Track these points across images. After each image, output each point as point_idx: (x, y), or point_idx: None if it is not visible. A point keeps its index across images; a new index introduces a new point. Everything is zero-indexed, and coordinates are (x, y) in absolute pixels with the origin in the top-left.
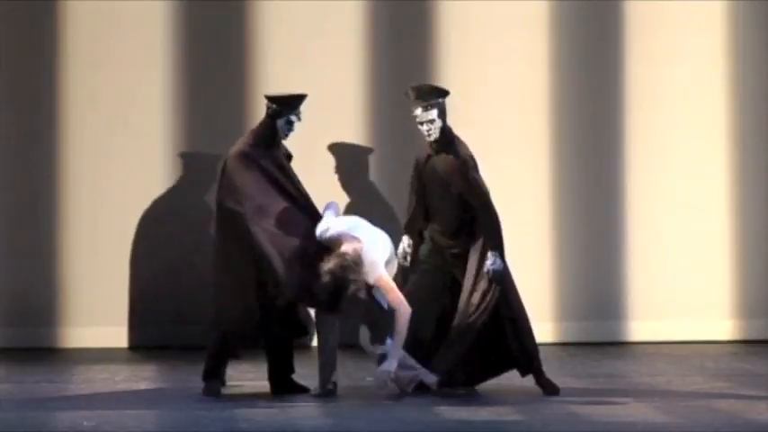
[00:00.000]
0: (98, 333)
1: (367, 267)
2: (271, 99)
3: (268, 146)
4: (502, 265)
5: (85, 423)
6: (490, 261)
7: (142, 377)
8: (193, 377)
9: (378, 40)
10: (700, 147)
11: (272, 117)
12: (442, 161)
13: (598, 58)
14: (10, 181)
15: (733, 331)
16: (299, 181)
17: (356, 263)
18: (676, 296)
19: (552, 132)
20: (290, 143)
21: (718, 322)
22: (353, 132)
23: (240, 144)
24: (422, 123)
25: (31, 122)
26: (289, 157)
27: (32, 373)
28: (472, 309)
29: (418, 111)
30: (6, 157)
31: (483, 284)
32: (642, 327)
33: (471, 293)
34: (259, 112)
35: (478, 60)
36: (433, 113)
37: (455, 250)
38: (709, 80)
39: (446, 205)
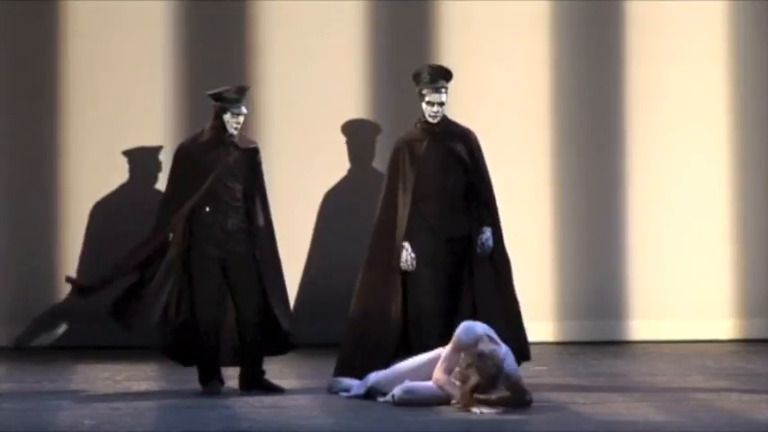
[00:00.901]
0: (98, 333)
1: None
2: (213, 96)
3: (217, 142)
4: (494, 242)
5: (86, 422)
6: (486, 236)
7: (143, 377)
8: (194, 377)
9: (378, 40)
10: (700, 147)
11: (218, 113)
12: (450, 140)
13: (598, 59)
14: (11, 180)
15: (734, 330)
16: (253, 180)
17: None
18: (677, 295)
19: (552, 132)
20: (290, 142)
21: (718, 321)
22: (353, 132)
23: (186, 140)
24: (432, 104)
25: (31, 122)
26: (252, 151)
27: (33, 372)
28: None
29: (430, 91)
30: (7, 157)
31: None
32: (643, 326)
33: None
34: (259, 111)
35: (478, 60)
36: (444, 96)
37: (457, 234)
38: (710, 80)
39: (449, 187)
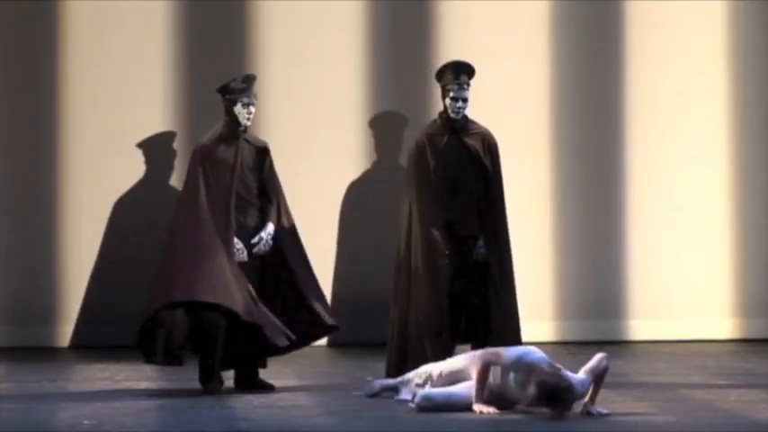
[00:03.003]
0: (99, 332)
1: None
2: (221, 90)
3: (231, 138)
4: (494, 250)
5: (85, 422)
6: (479, 243)
7: (142, 376)
8: (194, 376)
9: (378, 39)
10: (700, 146)
11: (228, 107)
12: (469, 138)
13: (599, 58)
14: (10, 180)
15: (733, 330)
16: (266, 178)
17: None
18: (676, 295)
19: (552, 132)
20: (290, 141)
21: (718, 321)
22: (353, 131)
23: (203, 139)
24: (456, 100)
25: (31, 121)
26: (262, 150)
27: (33, 371)
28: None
29: (455, 87)
30: (6, 156)
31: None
32: (642, 326)
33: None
34: (258, 111)
35: (478, 60)
36: (468, 93)
37: (466, 233)
38: (710, 79)
39: (469, 186)
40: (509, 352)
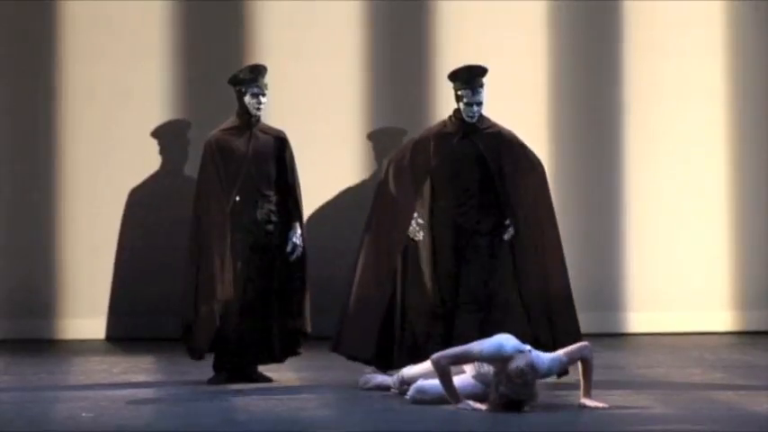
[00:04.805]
0: (97, 325)
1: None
2: (230, 81)
3: (245, 128)
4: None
5: (84, 415)
6: (508, 223)
7: (140, 369)
8: (192, 369)
9: (377, 37)
10: (698, 140)
11: (239, 98)
12: (480, 138)
13: (597, 56)
14: (9, 175)
15: (732, 322)
16: (285, 169)
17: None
18: (675, 287)
19: (551, 127)
20: (289, 138)
21: (716, 313)
22: (351, 129)
23: (214, 131)
24: (470, 105)
25: (28, 118)
26: (279, 140)
27: (31, 364)
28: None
29: (468, 92)
30: (5, 152)
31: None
32: (641, 318)
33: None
34: None
35: (476, 57)
36: (482, 96)
37: (482, 227)
38: (709, 75)
39: (478, 183)
40: (484, 346)
